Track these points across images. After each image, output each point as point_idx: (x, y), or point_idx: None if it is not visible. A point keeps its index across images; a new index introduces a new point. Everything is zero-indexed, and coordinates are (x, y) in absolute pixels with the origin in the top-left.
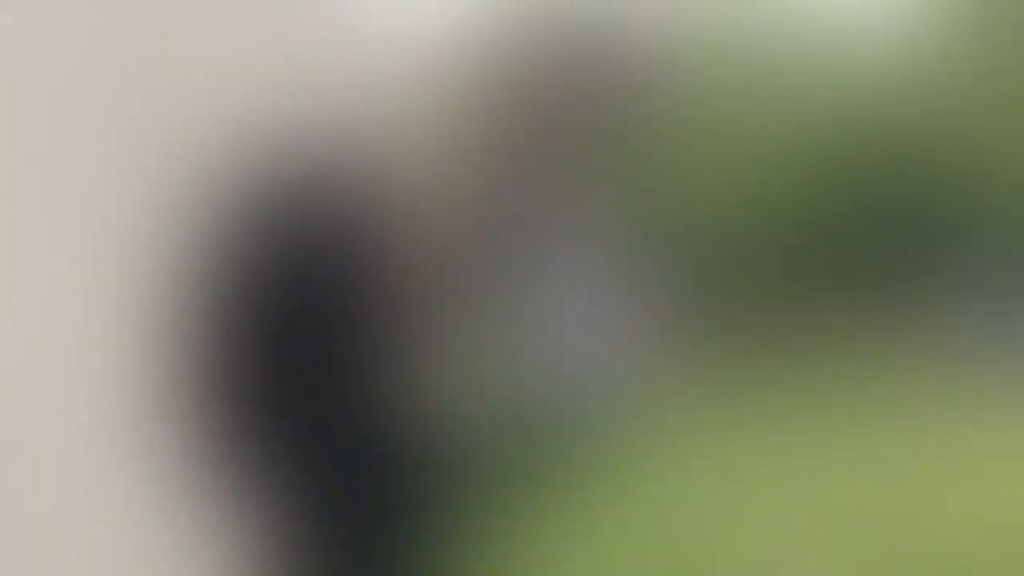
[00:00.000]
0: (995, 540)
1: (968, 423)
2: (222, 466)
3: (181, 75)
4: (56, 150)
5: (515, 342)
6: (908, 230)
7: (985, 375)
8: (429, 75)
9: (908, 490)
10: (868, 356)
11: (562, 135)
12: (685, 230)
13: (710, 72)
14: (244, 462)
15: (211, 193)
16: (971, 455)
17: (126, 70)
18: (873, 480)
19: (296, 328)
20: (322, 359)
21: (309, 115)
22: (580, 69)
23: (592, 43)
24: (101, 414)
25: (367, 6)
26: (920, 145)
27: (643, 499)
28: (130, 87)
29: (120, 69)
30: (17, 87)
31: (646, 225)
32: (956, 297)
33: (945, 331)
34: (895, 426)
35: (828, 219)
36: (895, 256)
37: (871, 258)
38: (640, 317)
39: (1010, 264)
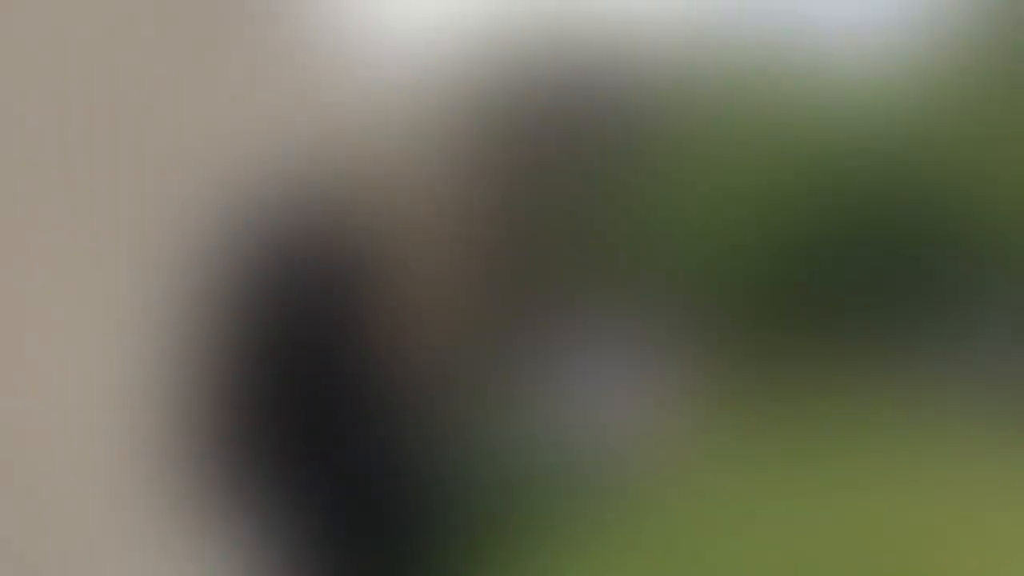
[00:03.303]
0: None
1: (980, 451)
2: (231, 483)
3: (184, 93)
4: (70, 165)
5: (531, 384)
6: (918, 256)
7: (996, 400)
8: (432, 98)
9: (931, 524)
10: (887, 395)
11: (566, 161)
12: (692, 262)
13: (715, 103)
14: (253, 480)
15: (223, 211)
16: (981, 482)
17: (131, 80)
18: (895, 519)
19: (308, 351)
20: (340, 391)
21: (314, 142)
22: (582, 97)
23: (596, 73)
24: (111, 426)
25: (366, 29)
26: (927, 170)
27: (661, 542)
28: (132, 98)
29: (125, 79)
30: (25, 113)
31: (653, 255)
32: (965, 318)
33: (959, 358)
34: (916, 458)
35: (840, 253)
36: (914, 285)
37: (888, 292)
38: (651, 360)
39: (1016, 284)
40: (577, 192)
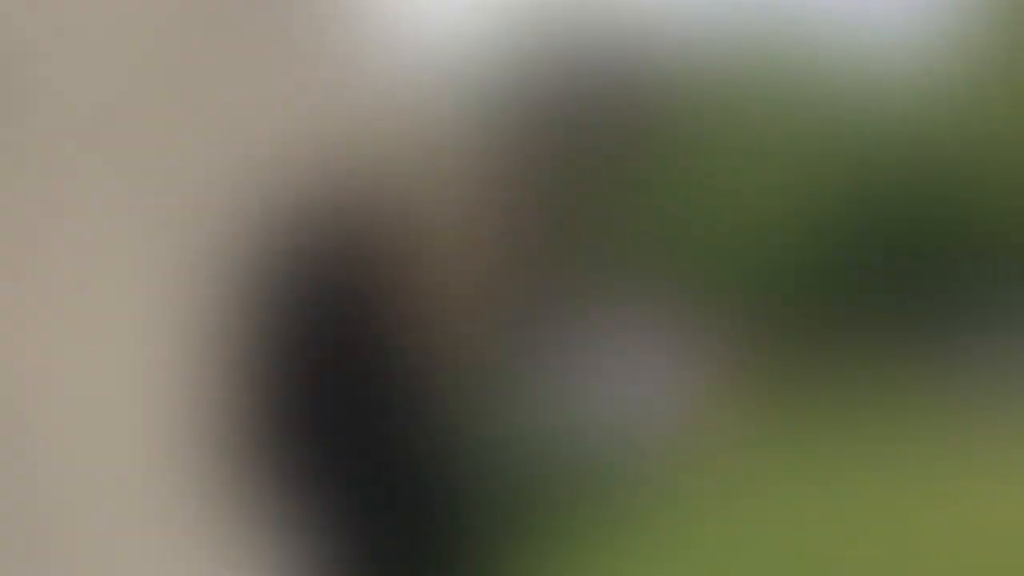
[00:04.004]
0: None
1: (997, 450)
2: (256, 480)
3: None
4: (97, 164)
5: (555, 378)
6: (940, 252)
7: (1011, 398)
8: (451, 94)
9: (950, 522)
10: (914, 390)
11: (588, 155)
12: (712, 256)
13: (736, 98)
14: (279, 478)
15: (245, 211)
16: (995, 493)
17: (151, 80)
18: (926, 516)
19: (333, 348)
20: (368, 387)
21: (335, 141)
22: (602, 92)
23: (617, 67)
24: (142, 427)
25: (383, 27)
26: (940, 181)
27: (685, 535)
28: (154, 98)
29: (147, 77)
30: (45, 113)
31: (676, 248)
32: (988, 316)
33: (987, 356)
34: (950, 453)
35: (863, 249)
36: (936, 281)
37: (911, 288)
38: (675, 354)
39: None
40: (600, 185)
